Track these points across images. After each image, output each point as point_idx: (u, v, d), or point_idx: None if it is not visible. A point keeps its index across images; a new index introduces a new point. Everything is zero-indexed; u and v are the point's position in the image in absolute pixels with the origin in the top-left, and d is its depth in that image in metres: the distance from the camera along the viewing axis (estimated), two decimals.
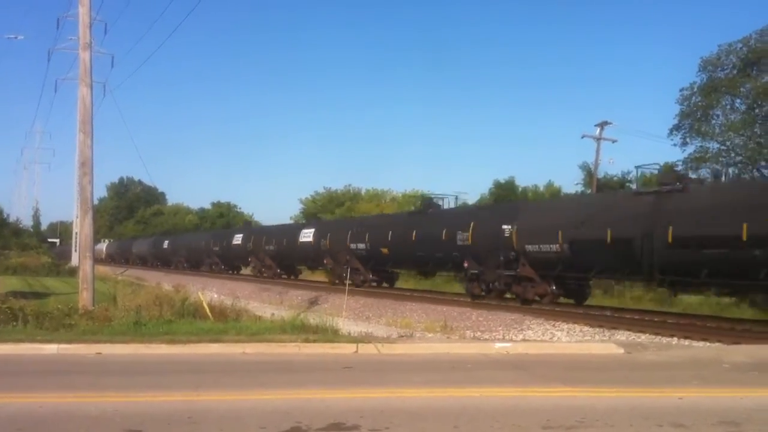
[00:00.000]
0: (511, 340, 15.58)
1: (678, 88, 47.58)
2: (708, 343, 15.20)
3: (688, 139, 44.99)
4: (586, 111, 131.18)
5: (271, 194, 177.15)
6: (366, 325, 19.57)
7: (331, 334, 13.54)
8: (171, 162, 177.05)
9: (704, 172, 43.73)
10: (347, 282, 24.75)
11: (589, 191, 44.39)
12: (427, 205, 33.18)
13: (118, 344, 12.04)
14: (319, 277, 43.33)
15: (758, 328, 17.47)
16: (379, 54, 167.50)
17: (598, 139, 43.75)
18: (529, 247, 23.77)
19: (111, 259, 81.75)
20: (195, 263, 58.70)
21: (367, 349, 12.31)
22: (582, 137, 44.50)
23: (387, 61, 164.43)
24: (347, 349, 12.29)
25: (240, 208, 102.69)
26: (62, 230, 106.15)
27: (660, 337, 16.53)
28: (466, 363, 11.21)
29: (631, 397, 8.58)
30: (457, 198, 33.83)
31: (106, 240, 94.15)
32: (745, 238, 16.66)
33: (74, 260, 52.05)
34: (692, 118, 44.56)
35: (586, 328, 18.35)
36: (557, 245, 22.55)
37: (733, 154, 44.01)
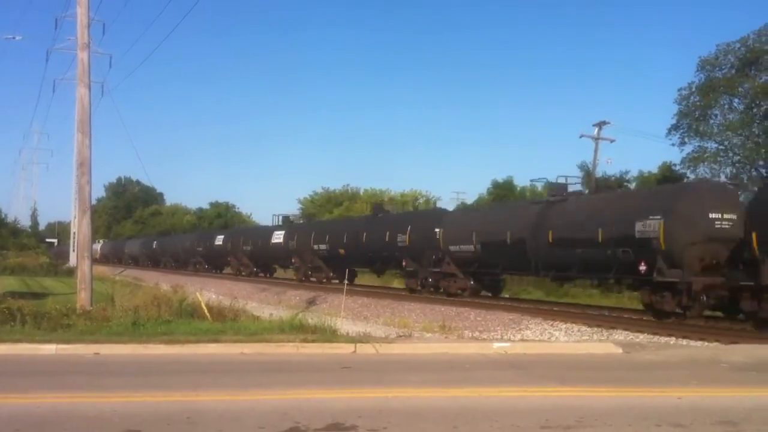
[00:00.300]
0: (509, 340, 15.59)
1: (676, 88, 47.61)
2: (706, 343, 15.21)
3: (686, 139, 45.05)
4: (584, 111, 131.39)
5: (269, 194, 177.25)
6: (364, 325, 19.55)
7: (330, 334, 13.54)
8: (169, 162, 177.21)
9: (702, 172, 43.83)
10: (345, 282, 25.52)
11: (587, 191, 44.40)
12: (377, 211, 37.41)
13: (116, 344, 12.03)
14: (290, 274, 45.25)
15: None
16: (378, 55, 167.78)
17: (596, 139, 43.73)
18: (452, 248, 27.54)
19: (105, 258, 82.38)
20: (182, 263, 60.96)
21: (366, 349, 12.32)
22: (580, 137, 44.51)
23: (386, 62, 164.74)
24: (345, 349, 12.29)
25: (238, 209, 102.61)
26: (60, 230, 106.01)
27: (658, 336, 16.54)
28: (464, 363, 11.21)
29: (630, 397, 8.59)
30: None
31: (101, 241, 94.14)
32: (600, 240, 20.49)
33: (72, 260, 51.97)
34: (690, 118, 44.60)
35: (584, 328, 18.35)
36: (472, 246, 26.42)
37: (731, 154, 44.06)
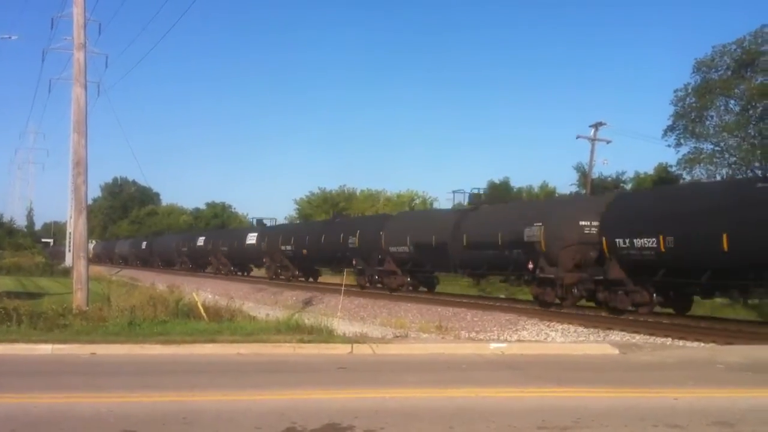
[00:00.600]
0: (506, 341, 15.59)
1: (672, 89, 47.65)
2: (702, 344, 15.24)
3: (682, 140, 45.17)
4: (581, 112, 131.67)
5: (266, 195, 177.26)
6: (361, 326, 19.51)
7: (326, 335, 13.51)
8: (166, 162, 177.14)
9: (699, 173, 43.91)
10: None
11: (583, 191, 44.50)
12: (335, 216, 43.95)
13: (112, 344, 12.00)
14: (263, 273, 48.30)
15: (751, 329, 17.61)
16: (376, 55, 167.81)
17: (593, 140, 43.83)
18: (392, 249, 31.32)
19: (98, 258, 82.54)
20: (168, 263, 63.56)
21: (362, 349, 12.30)
22: (577, 138, 44.64)
23: (384, 63, 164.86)
24: (342, 349, 12.28)
25: (235, 209, 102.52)
26: (56, 230, 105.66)
27: (654, 337, 16.56)
28: (461, 363, 11.20)
29: (627, 398, 8.60)
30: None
31: (93, 241, 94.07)
32: (500, 243, 24.28)
33: (68, 260, 51.90)
34: (686, 119, 44.69)
35: (580, 329, 18.37)
36: (407, 247, 30.28)
37: (727, 155, 44.16)
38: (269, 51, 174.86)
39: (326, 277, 42.41)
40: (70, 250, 49.70)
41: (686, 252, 18.35)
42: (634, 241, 19.78)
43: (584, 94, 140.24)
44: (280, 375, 10.14)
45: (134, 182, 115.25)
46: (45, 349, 11.65)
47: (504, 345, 13.45)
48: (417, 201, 68.01)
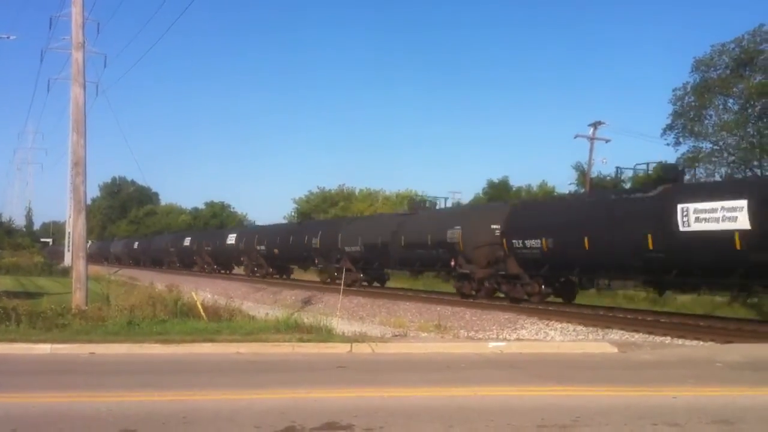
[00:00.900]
0: (505, 340, 15.60)
1: (671, 88, 47.58)
2: (701, 342, 15.24)
3: (681, 139, 45.12)
4: (579, 111, 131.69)
5: (265, 194, 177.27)
6: (360, 325, 19.50)
7: (325, 334, 13.52)
8: (165, 162, 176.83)
9: (698, 172, 43.88)
10: (338, 282, 28.10)
11: (582, 191, 44.47)
12: (302, 219, 48.89)
13: (111, 344, 12.00)
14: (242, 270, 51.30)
15: (750, 328, 17.58)
16: (375, 55, 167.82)
17: (592, 139, 43.84)
18: (347, 248, 34.92)
19: (93, 258, 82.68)
20: (158, 262, 66.48)
21: (361, 348, 12.31)
22: (575, 137, 44.63)
23: (383, 63, 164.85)
24: (341, 348, 12.28)
25: (234, 208, 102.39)
26: (55, 230, 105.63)
27: (653, 336, 16.56)
28: (460, 362, 11.21)
29: (626, 396, 8.60)
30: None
31: (90, 241, 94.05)
32: (429, 243, 28.06)
33: (67, 260, 51.87)
34: (685, 118, 44.65)
35: (579, 328, 18.37)
36: (359, 246, 33.94)
37: (726, 154, 44.13)
38: (269, 50, 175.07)
39: (297, 274, 46.63)
40: (69, 250, 49.71)
41: (561, 251, 22.66)
42: (526, 242, 23.85)
43: (583, 93, 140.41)
44: (280, 374, 10.14)
45: (133, 182, 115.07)
46: (44, 348, 11.66)
47: (503, 344, 13.45)
48: (417, 201, 67.79)
